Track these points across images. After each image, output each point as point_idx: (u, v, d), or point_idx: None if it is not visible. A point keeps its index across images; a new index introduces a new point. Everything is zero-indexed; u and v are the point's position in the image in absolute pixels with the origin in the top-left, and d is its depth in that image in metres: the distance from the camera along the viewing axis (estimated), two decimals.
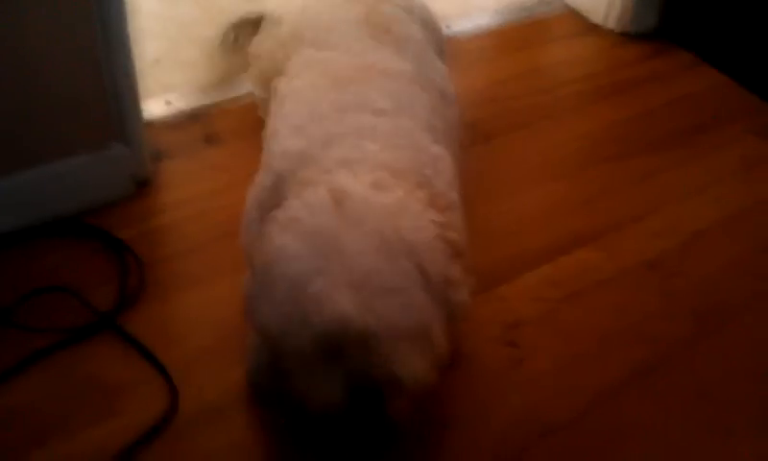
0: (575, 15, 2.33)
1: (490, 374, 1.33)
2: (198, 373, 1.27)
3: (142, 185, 1.61)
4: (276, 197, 1.11)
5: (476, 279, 1.33)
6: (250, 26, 1.73)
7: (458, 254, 1.05)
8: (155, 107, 1.81)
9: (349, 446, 1.08)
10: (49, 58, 1.37)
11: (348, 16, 1.41)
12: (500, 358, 1.36)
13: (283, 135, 1.22)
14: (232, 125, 1.80)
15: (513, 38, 2.23)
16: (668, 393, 1.33)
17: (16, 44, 1.33)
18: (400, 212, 0.99)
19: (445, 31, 2.13)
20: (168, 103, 1.83)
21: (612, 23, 2.27)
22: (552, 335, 1.41)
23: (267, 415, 1.23)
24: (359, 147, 1.10)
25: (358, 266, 0.93)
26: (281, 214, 1.02)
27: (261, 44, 1.64)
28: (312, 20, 1.45)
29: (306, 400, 0.97)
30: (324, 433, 1.08)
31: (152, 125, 1.74)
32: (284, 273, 0.97)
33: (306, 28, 1.44)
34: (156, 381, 1.26)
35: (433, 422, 1.25)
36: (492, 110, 1.94)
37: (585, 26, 2.31)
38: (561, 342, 1.40)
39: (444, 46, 1.71)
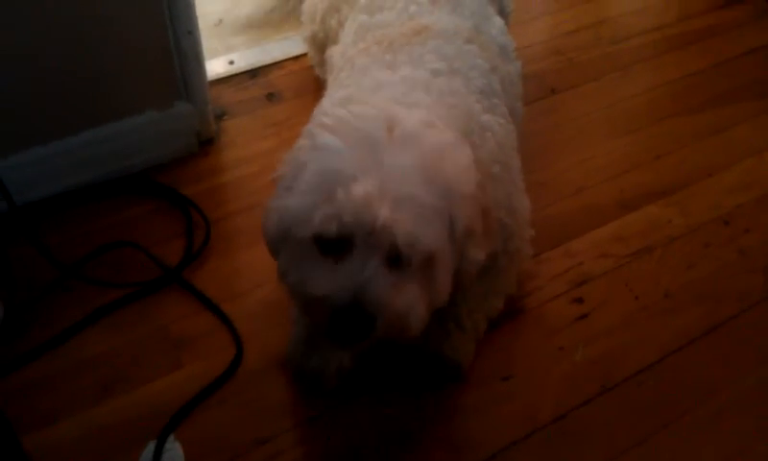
0: None
1: (554, 328, 1.31)
2: (261, 326, 1.29)
3: (206, 143, 1.63)
4: None
5: (541, 234, 1.33)
6: None
7: (485, 215, 1.05)
8: (218, 66, 1.83)
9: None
10: (117, 20, 1.40)
11: None
12: (566, 314, 1.34)
13: (333, 92, 1.22)
14: (293, 82, 1.80)
15: None
16: (738, 351, 1.29)
17: (86, 8, 1.35)
18: (448, 154, 0.98)
19: None
20: (231, 62, 1.85)
21: None
22: (619, 292, 1.38)
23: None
24: (410, 95, 1.10)
25: (398, 185, 0.92)
26: (327, 117, 1.01)
27: (315, 6, 1.62)
28: None
29: (301, 292, 0.98)
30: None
31: (215, 84, 1.76)
32: (322, 166, 0.96)
33: None
34: (222, 334, 1.28)
35: (494, 374, 1.24)
36: (558, 63, 1.90)
37: None
38: (628, 298, 1.37)
39: (507, 1, 1.68)
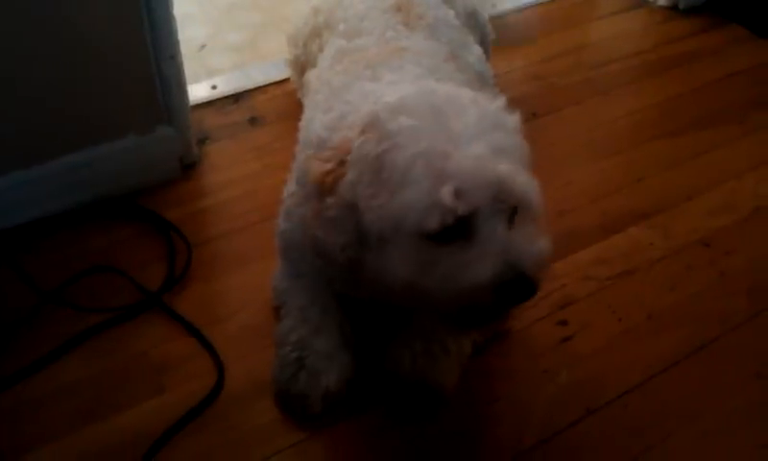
0: None
1: (538, 351, 1.31)
2: (243, 351, 1.28)
3: (188, 167, 1.63)
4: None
5: None
6: None
7: None
8: (200, 90, 1.83)
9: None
10: (99, 45, 1.40)
11: (381, 4, 1.40)
12: (549, 336, 1.33)
13: (312, 114, 1.23)
14: (276, 107, 1.80)
15: (560, 16, 2.20)
16: (720, 372, 1.29)
17: (69, 34, 1.35)
18: (486, 101, 1.00)
19: (491, 10, 2.11)
20: (213, 87, 1.85)
21: None
22: (602, 314, 1.38)
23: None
24: (406, 70, 1.14)
25: (486, 139, 0.92)
26: (379, 105, 1.00)
27: (299, 31, 1.64)
28: (346, 9, 1.44)
29: (451, 288, 0.95)
30: None
31: (198, 108, 1.76)
32: (412, 150, 0.92)
33: (340, 18, 1.43)
34: (203, 359, 1.26)
35: (478, 398, 1.23)
36: (539, 88, 1.91)
37: (632, 1, 2.26)
38: (611, 320, 1.37)
39: (488, 30, 1.70)
